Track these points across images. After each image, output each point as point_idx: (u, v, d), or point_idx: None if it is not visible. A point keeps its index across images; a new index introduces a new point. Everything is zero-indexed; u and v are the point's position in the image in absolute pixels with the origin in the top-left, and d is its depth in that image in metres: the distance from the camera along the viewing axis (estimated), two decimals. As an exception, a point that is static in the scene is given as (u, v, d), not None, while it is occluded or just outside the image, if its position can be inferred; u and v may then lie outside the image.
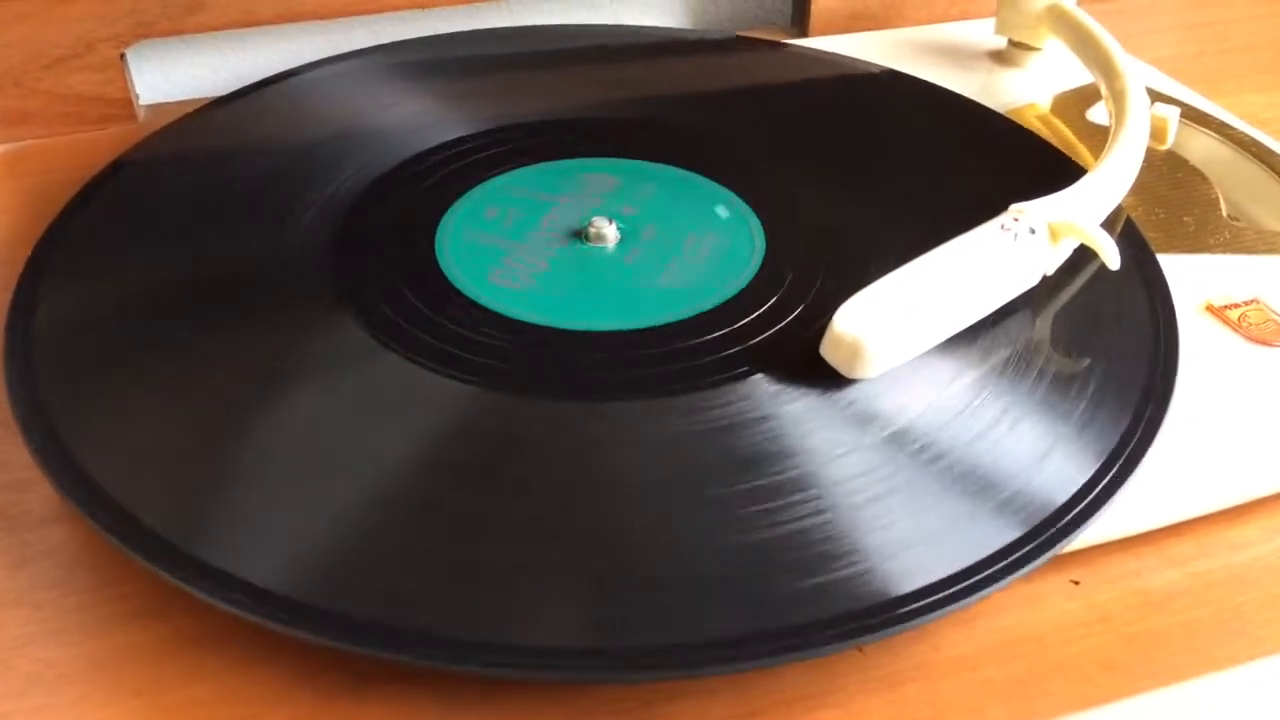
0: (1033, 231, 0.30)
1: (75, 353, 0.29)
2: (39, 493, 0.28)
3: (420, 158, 0.37)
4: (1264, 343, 0.32)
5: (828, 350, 0.28)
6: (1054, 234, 0.31)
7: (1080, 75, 0.44)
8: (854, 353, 0.28)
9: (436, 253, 0.33)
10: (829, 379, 0.28)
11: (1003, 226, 0.30)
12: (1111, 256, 0.30)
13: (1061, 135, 0.41)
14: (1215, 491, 0.28)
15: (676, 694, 0.24)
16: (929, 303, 0.29)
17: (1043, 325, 0.31)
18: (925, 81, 0.43)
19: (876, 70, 0.44)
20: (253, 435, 0.27)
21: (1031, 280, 0.31)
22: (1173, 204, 0.37)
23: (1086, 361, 0.29)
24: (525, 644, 0.23)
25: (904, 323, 0.28)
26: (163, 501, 0.25)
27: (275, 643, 0.24)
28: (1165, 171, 0.39)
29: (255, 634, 0.24)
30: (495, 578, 0.24)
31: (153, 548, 0.24)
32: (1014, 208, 0.31)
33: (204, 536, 0.24)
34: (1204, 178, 0.38)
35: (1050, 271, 0.32)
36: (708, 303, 0.31)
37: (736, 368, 0.29)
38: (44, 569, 0.26)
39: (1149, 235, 0.34)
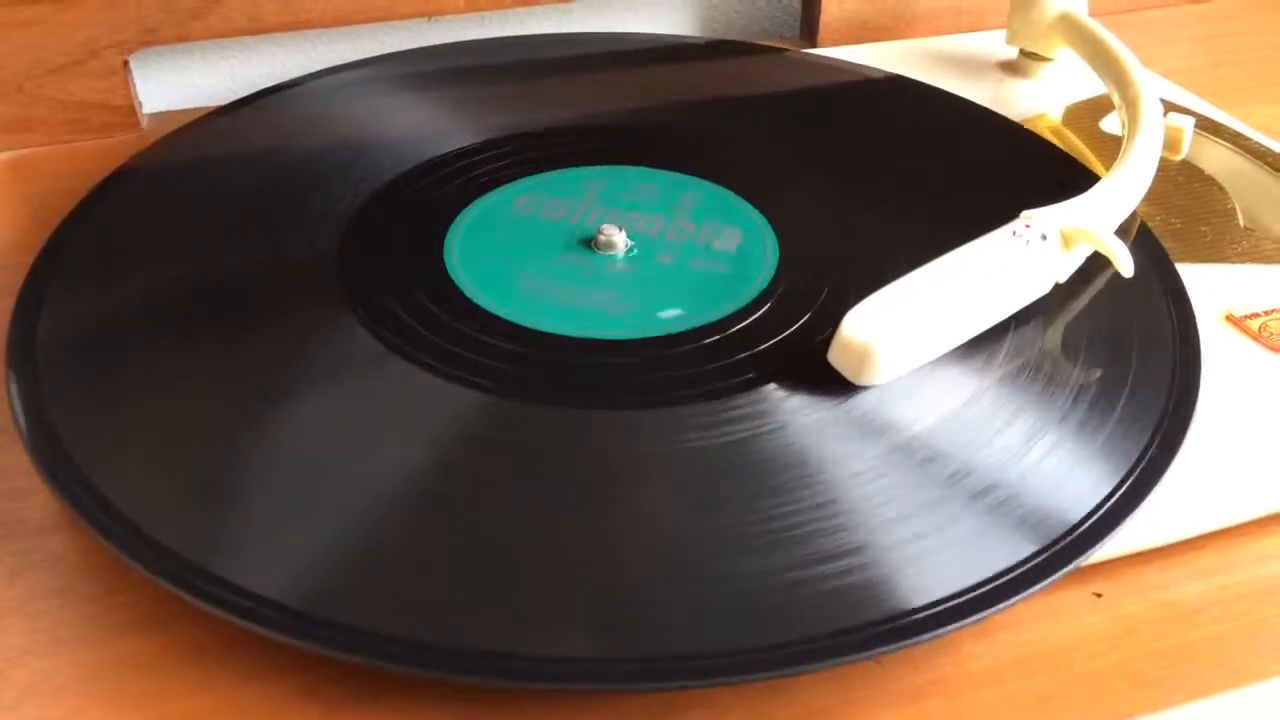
0: (1044, 238, 0.30)
1: (78, 360, 0.29)
2: (37, 500, 0.27)
3: (429, 165, 0.37)
4: (1286, 353, 0.31)
5: (836, 355, 0.28)
6: (1066, 240, 0.30)
7: (1092, 86, 0.43)
8: (863, 358, 0.27)
9: (445, 259, 0.32)
10: (840, 388, 0.28)
11: (1014, 233, 0.30)
12: (1125, 263, 0.30)
13: (1074, 146, 0.41)
14: (1240, 503, 0.27)
15: (688, 705, 0.23)
16: (939, 308, 0.28)
17: (1058, 334, 0.30)
18: (935, 88, 0.42)
19: (886, 77, 0.43)
20: (258, 442, 0.27)
21: (1044, 287, 0.31)
22: (1189, 214, 0.37)
23: (1102, 371, 0.29)
24: (535, 654, 0.22)
25: (913, 328, 0.28)
26: (166, 509, 0.25)
27: (281, 654, 0.23)
28: (1181, 181, 0.38)
29: (260, 645, 0.23)
30: (505, 587, 0.24)
31: (155, 556, 0.24)
32: (1026, 214, 0.31)
33: (208, 545, 0.24)
34: (1220, 187, 0.38)
35: (1063, 279, 0.31)
36: (719, 311, 0.31)
37: (748, 376, 0.28)
38: (41, 578, 0.26)
39: (1166, 244, 0.34)
